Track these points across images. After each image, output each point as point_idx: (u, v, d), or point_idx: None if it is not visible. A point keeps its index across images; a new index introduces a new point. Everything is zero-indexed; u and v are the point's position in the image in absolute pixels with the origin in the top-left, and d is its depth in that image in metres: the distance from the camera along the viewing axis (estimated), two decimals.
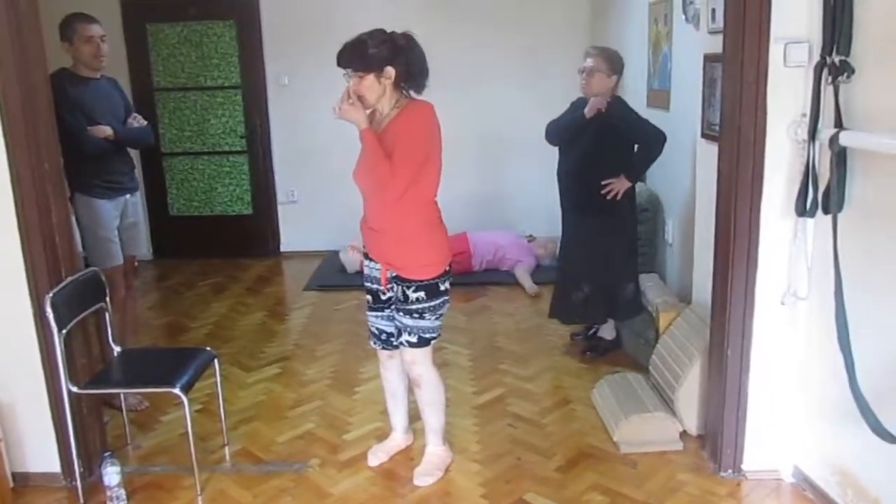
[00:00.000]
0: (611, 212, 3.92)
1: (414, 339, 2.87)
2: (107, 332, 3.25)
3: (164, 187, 6.75)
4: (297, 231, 6.78)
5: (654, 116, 4.18)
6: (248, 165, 6.69)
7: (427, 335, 2.89)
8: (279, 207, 6.78)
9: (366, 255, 2.98)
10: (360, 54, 2.68)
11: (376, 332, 3.05)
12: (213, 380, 3.32)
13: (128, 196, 3.84)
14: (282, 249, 6.83)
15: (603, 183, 3.87)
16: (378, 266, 2.91)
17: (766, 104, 2.68)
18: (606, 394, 3.55)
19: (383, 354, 3.11)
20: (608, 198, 3.88)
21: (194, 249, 6.72)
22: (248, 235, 6.76)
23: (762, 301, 2.85)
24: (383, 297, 2.96)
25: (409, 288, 2.82)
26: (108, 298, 3.23)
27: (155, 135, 6.46)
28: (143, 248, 4.07)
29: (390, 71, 2.70)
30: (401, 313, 2.86)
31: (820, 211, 2.59)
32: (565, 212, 4.18)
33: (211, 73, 6.50)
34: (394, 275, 2.86)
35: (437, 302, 2.86)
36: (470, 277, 5.73)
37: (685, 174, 4.25)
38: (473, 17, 6.31)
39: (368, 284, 3.00)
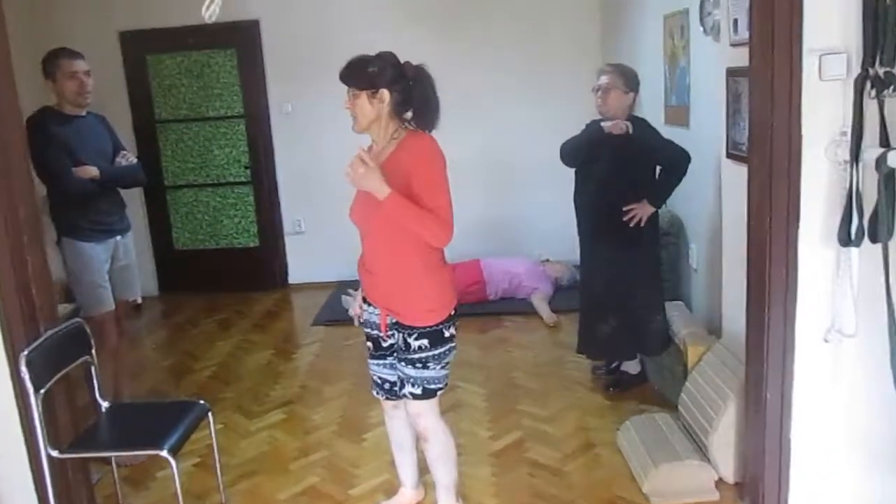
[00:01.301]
0: (634, 239, 3.67)
1: (418, 391, 2.62)
2: (93, 387, 3.03)
3: (169, 221, 6.56)
4: (304, 262, 6.57)
5: (672, 134, 3.94)
6: (254, 196, 6.49)
7: (432, 386, 2.64)
8: (286, 238, 6.58)
9: (364, 300, 2.75)
10: (359, 71, 2.52)
11: (379, 381, 2.81)
12: (217, 428, 3.10)
13: (118, 238, 3.64)
14: (290, 281, 6.62)
15: (625, 209, 3.62)
16: (377, 311, 2.67)
17: (800, 122, 2.43)
18: (633, 438, 3.27)
19: (387, 405, 2.87)
20: (631, 225, 3.63)
21: (201, 284, 6.52)
22: (255, 268, 6.56)
23: (803, 338, 2.58)
24: (384, 345, 2.72)
25: (410, 335, 2.57)
26: (93, 351, 3.01)
27: (157, 168, 6.40)
28: (137, 291, 3.86)
29: (384, 94, 2.50)
30: (402, 363, 2.62)
31: (867, 239, 2.33)
32: (584, 240, 3.93)
33: (213, 103, 6.33)
34: (394, 321, 2.62)
35: (442, 350, 2.61)
36: (485, 307, 5.48)
37: (708, 195, 3.99)
38: (481, 37, 6.11)
39: (368, 331, 2.77)
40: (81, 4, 6.07)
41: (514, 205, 6.37)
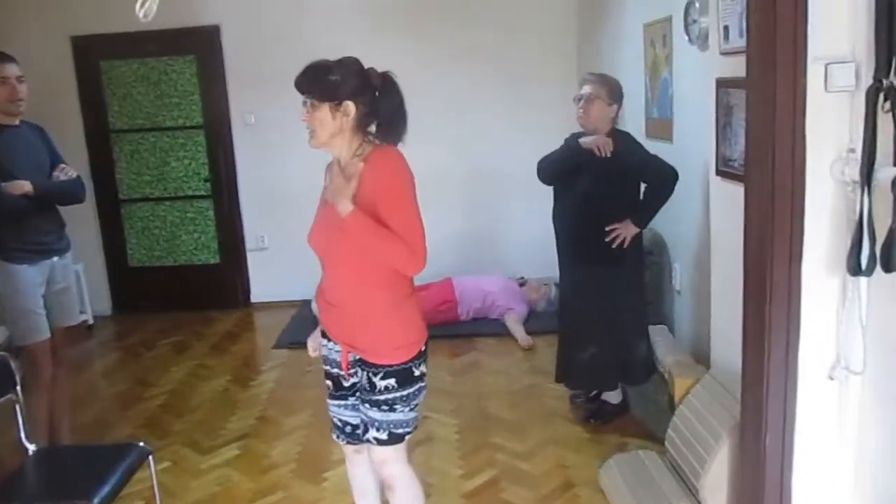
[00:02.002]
0: (617, 261, 3.44)
1: (384, 436, 2.34)
2: (19, 429, 2.71)
3: (123, 237, 6.21)
4: (267, 280, 6.24)
5: (655, 148, 3.71)
6: (214, 210, 6.16)
7: (399, 430, 2.36)
8: (248, 255, 6.25)
9: (324, 334, 2.47)
10: (319, 79, 2.23)
11: (339, 423, 2.52)
12: (163, 467, 2.80)
13: (55, 259, 3.33)
14: (252, 300, 6.30)
15: (607, 229, 3.38)
16: (338, 347, 2.39)
17: (804, 138, 2.19)
18: (617, 478, 3.02)
19: (349, 449, 2.58)
20: (613, 246, 3.39)
21: (157, 303, 6.18)
22: (216, 286, 6.22)
23: (806, 375, 2.33)
24: (346, 384, 2.44)
25: (375, 374, 2.30)
26: (18, 388, 2.70)
27: (111, 180, 6.05)
28: (76, 316, 3.54)
29: (349, 107, 2.22)
30: (367, 405, 2.34)
31: (879, 268, 2.10)
32: (564, 261, 3.68)
33: (171, 112, 6.00)
34: (357, 357, 2.34)
35: (411, 390, 2.34)
36: (456, 328, 5.21)
37: (694, 213, 3.77)
38: (453, 45, 5.85)
39: (328, 368, 2.48)
40: (32, 6, 5.73)
41: (489, 219, 6.10)
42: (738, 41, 2.74)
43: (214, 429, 3.94)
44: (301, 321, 5.50)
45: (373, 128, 2.31)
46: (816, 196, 2.23)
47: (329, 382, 2.50)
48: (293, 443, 3.73)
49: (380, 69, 2.30)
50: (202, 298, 6.15)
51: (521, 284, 5.60)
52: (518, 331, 5.05)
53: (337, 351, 2.40)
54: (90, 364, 5.16)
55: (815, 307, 2.29)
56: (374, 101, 2.26)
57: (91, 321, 5.87)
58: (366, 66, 2.29)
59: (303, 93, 2.26)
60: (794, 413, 2.36)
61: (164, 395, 4.44)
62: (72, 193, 3.38)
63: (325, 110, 2.22)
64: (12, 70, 3.15)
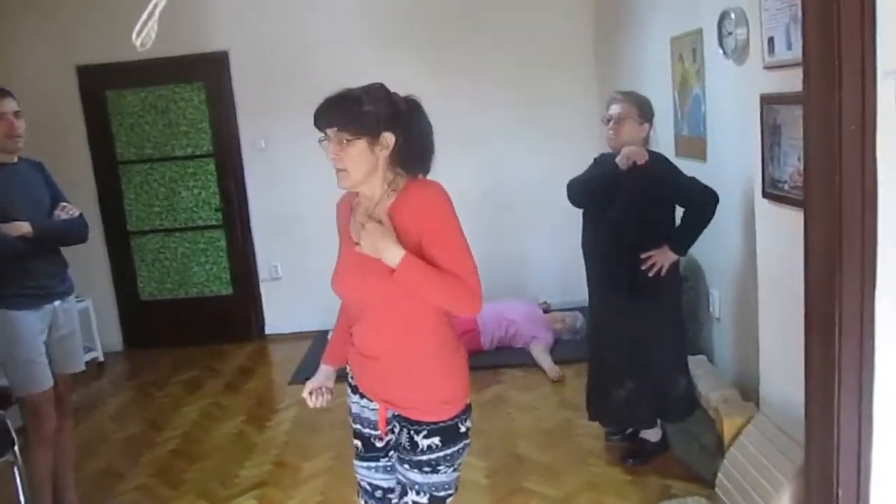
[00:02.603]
0: (653, 290, 3.21)
1: (423, 500, 2.08)
2: (18, 492, 2.51)
3: (133, 270, 6.02)
4: (282, 310, 6.04)
5: (687, 168, 3.47)
6: (226, 240, 5.97)
7: (441, 493, 2.10)
8: (261, 285, 6.05)
9: (353, 389, 2.22)
10: (354, 111, 1.96)
11: (368, 488, 2.26)
12: None
13: (57, 303, 3.13)
14: (266, 332, 6.09)
15: (643, 256, 3.16)
16: (373, 405, 2.15)
17: (874, 159, 1.97)
18: None
19: None
20: (650, 274, 3.16)
21: (169, 337, 5.98)
22: (229, 318, 6.01)
23: (882, 423, 2.10)
24: (379, 444, 2.19)
25: (418, 433, 2.04)
26: (16, 448, 2.51)
27: (120, 212, 5.89)
28: (81, 363, 3.33)
29: (389, 139, 1.98)
30: (406, 465, 2.08)
31: None
32: (594, 290, 3.46)
33: (179, 141, 5.83)
34: (395, 413, 2.10)
35: (457, 448, 2.09)
36: (479, 359, 4.94)
37: (732, 236, 3.55)
38: (469, 66, 5.66)
39: (358, 427, 2.23)
40: (35, 36, 5.60)
41: (510, 243, 5.87)
42: (786, 54, 2.52)
43: (229, 476, 3.72)
44: (317, 354, 5.25)
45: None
46: (890, 222, 2.01)
47: (358, 443, 2.24)
48: (313, 491, 3.50)
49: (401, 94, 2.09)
50: (215, 331, 5.96)
51: (545, 311, 5.37)
52: (545, 361, 4.81)
53: (371, 409, 2.16)
54: (100, 405, 4.95)
55: (891, 345, 2.06)
56: (409, 129, 2.03)
57: (101, 358, 5.68)
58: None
59: (328, 128, 1.98)
60: (868, 464, 2.13)
61: (176, 440, 4.23)
62: (74, 233, 3.19)
63: (361, 145, 1.96)
64: (9, 105, 2.97)
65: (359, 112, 1.95)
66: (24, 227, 2.95)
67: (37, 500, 2.83)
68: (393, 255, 1.91)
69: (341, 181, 2.02)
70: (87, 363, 3.74)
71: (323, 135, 2.00)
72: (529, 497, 3.29)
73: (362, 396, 2.17)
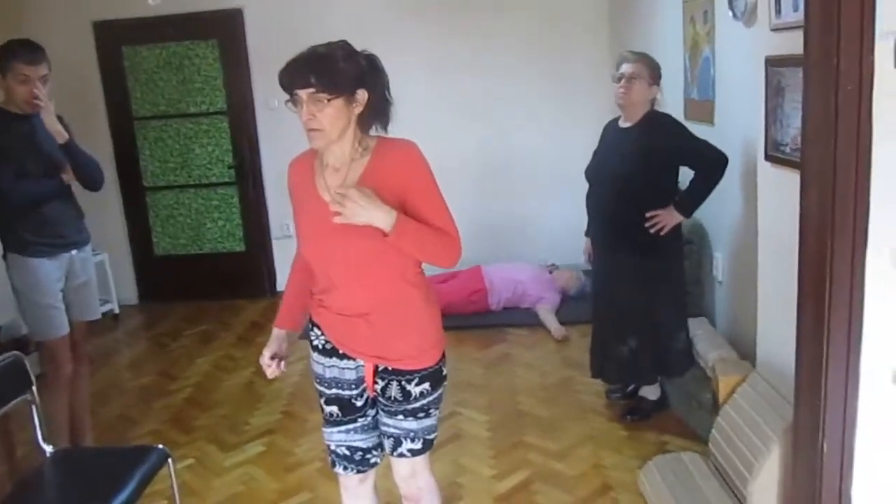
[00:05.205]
0: (656, 250, 3.26)
1: (418, 446, 2.18)
2: (35, 430, 2.62)
3: (148, 225, 6.13)
4: None
5: (694, 131, 3.50)
6: (239, 197, 6.06)
7: (431, 436, 2.22)
8: (274, 242, 6.14)
9: (324, 352, 2.18)
10: (332, 70, 1.92)
11: (347, 452, 2.23)
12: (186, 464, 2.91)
13: (74, 252, 3.22)
14: (278, 288, 6.19)
15: (648, 215, 3.21)
16: (354, 364, 2.16)
17: (870, 121, 2.00)
18: (658, 482, 2.86)
19: (352, 480, 2.28)
20: (652, 232, 3.21)
21: (183, 292, 6.10)
22: (242, 274, 6.12)
23: (869, 378, 2.15)
24: (359, 403, 2.21)
25: (410, 382, 2.12)
26: (34, 388, 2.60)
27: (136, 168, 5.98)
28: (97, 311, 3.43)
29: (362, 95, 1.98)
30: (400, 416, 2.15)
31: None
32: (597, 248, 3.52)
33: (194, 98, 5.89)
34: (383, 368, 2.14)
35: (441, 391, 2.21)
36: (486, 319, 5.06)
37: (736, 199, 3.57)
38: (483, 28, 5.64)
39: (336, 391, 2.18)
40: None
41: (518, 206, 5.91)
42: (792, 15, 2.53)
43: (239, 424, 3.84)
44: None
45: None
46: (883, 183, 2.05)
47: (335, 408, 2.20)
48: (319, 439, 3.55)
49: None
50: (228, 287, 6.07)
51: (552, 271, 5.44)
52: (551, 321, 4.88)
53: (353, 368, 2.16)
54: (116, 355, 5.09)
55: (880, 303, 2.11)
56: (373, 87, 2.02)
57: (117, 311, 5.81)
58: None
59: (303, 88, 1.92)
60: (854, 418, 2.18)
61: (188, 389, 4.36)
62: (94, 168, 3.24)
63: (337, 105, 1.94)
64: (40, 70, 2.99)
65: (336, 70, 1.93)
66: (63, 133, 3.03)
67: (55, 441, 2.94)
68: (384, 217, 1.91)
69: (316, 141, 1.99)
70: (102, 315, 3.83)
71: (290, 97, 1.97)
72: (529, 450, 3.39)
73: (341, 358, 2.16)
